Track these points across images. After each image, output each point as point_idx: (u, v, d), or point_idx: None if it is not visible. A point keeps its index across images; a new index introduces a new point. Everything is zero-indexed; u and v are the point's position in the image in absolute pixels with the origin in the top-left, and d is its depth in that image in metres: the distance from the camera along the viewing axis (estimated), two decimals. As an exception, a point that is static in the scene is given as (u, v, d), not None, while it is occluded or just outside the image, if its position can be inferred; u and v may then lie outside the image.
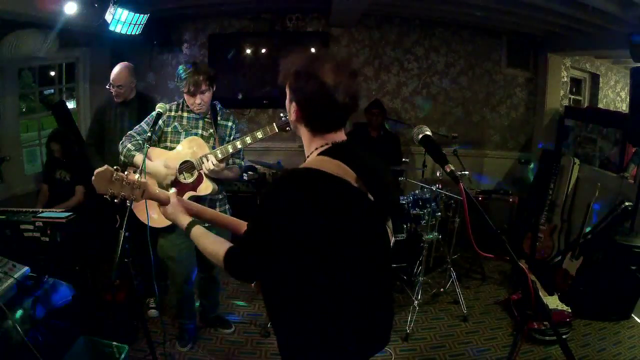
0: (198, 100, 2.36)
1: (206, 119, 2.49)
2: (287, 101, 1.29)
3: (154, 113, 2.35)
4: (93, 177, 1.44)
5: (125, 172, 1.49)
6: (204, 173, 2.36)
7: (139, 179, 1.49)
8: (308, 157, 1.28)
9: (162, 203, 1.52)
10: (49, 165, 3.71)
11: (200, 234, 1.42)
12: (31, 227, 2.64)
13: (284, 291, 1.24)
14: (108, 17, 3.24)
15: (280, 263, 1.19)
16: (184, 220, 1.48)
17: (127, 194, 1.47)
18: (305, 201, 1.12)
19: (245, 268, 1.26)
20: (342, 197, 1.16)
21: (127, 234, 1.90)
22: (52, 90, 5.05)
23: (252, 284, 1.52)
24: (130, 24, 3.42)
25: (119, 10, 3.20)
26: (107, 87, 3.09)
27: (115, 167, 1.46)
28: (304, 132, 1.29)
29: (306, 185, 1.14)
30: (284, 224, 1.13)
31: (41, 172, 4.06)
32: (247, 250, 1.24)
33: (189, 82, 2.31)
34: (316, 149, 1.26)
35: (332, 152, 1.23)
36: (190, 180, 2.40)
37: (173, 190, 1.59)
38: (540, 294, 3.15)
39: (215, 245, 1.33)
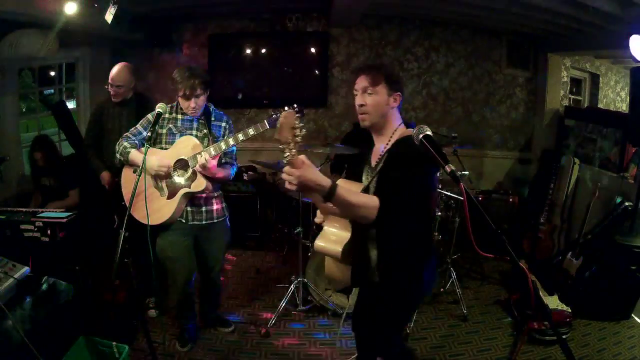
0: (192, 104, 2.39)
1: (200, 120, 2.51)
2: (377, 96, 1.70)
3: (153, 113, 2.37)
4: (281, 117, 1.37)
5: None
6: (198, 171, 2.38)
7: (298, 134, 1.40)
8: (395, 130, 1.77)
9: (297, 166, 1.43)
10: (35, 174, 3.60)
11: (346, 190, 1.53)
12: (31, 227, 2.65)
13: (408, 222, 1.67)
14: (108, 17, 3.24)
15: (414, 206, 1.63)
16: (326, 180, 1.46)
17: (292, 145, 1.40)
18: (429, 159, 1.47)
19: (392, 215, 1.57)
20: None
21: (126, 233, 1.89)
22: (52, 90, 5.05)
23: (314, 247, 1.88)
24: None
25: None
26: (105, 87, 3.08)
27: (297, 115, 1.40)
28: (393, 114, 1.77)
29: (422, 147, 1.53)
30: (425, 176, 1.63)
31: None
32: (401, 199, 1.58)
33: (185, 86, 2.33)
34: (400, 124, 1.78)
35: (408, 125, 1.79)
36: (184, 177, 2.41)
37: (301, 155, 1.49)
38: (540, 294, 3.15)
39: (365, 198, 1.59)
